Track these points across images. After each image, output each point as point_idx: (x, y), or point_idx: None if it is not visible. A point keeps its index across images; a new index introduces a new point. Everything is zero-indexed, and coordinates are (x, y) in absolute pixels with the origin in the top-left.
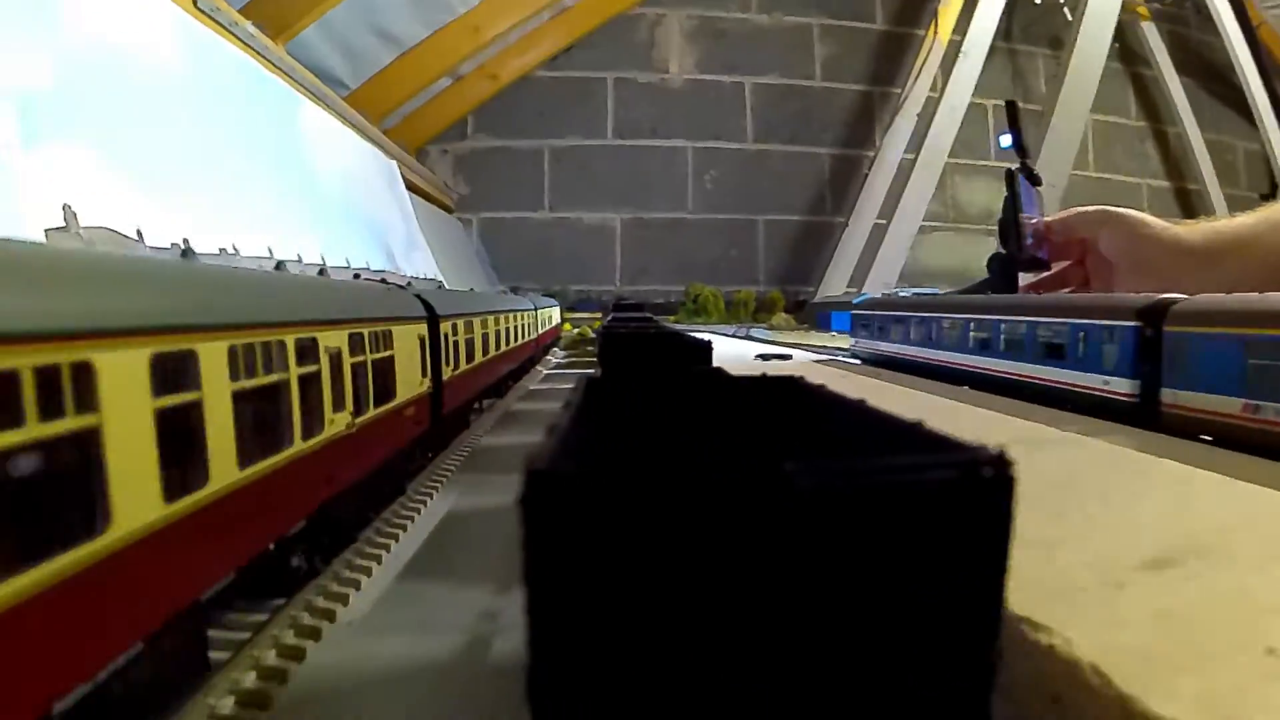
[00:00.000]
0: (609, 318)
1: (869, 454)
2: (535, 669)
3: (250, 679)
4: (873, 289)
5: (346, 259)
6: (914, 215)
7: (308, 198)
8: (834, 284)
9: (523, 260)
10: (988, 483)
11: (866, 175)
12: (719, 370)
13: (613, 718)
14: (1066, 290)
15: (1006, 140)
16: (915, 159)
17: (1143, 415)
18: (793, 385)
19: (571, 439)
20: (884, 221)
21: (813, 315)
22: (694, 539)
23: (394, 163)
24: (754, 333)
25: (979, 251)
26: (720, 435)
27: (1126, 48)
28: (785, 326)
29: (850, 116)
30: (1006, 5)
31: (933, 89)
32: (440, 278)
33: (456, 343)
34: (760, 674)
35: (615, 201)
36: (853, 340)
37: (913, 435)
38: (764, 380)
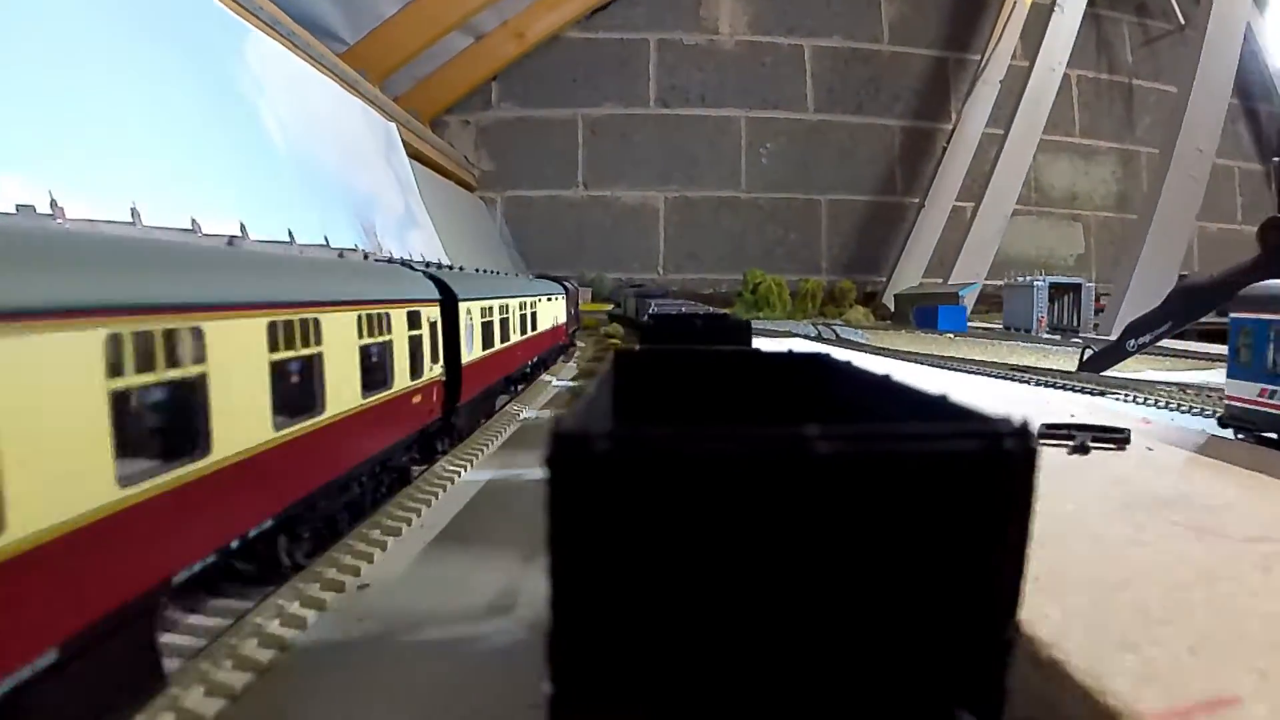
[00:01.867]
0: (650, 308)
1: (894, 422)
2: (557, 628)
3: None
4: (963, 279)
5: (289, 230)
6: (1007, 196)
7: (241, 149)
8: (908, 273)
9: (553, 244)
10: (1010, 454)
11: (945, 150)
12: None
13: (633, 676)
14: None
15: None
16: (1005, 134)
17: None
18: (819, 361)
19: (598, 406)
20: (964, 204)
21: (905, 310)
22: (716, 500)
23: (393, 125)
24: (843, 333)
25: (1064, 237)
26: (745, 404)
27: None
28: (866, 324)
29: (922, 85)
30: None
31: (1014, 57)
32: (446, 260)
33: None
34: (777, 633)
35: (658, 178)
36: (1254, 388)
37: (938, 406)
38: (791, 355)
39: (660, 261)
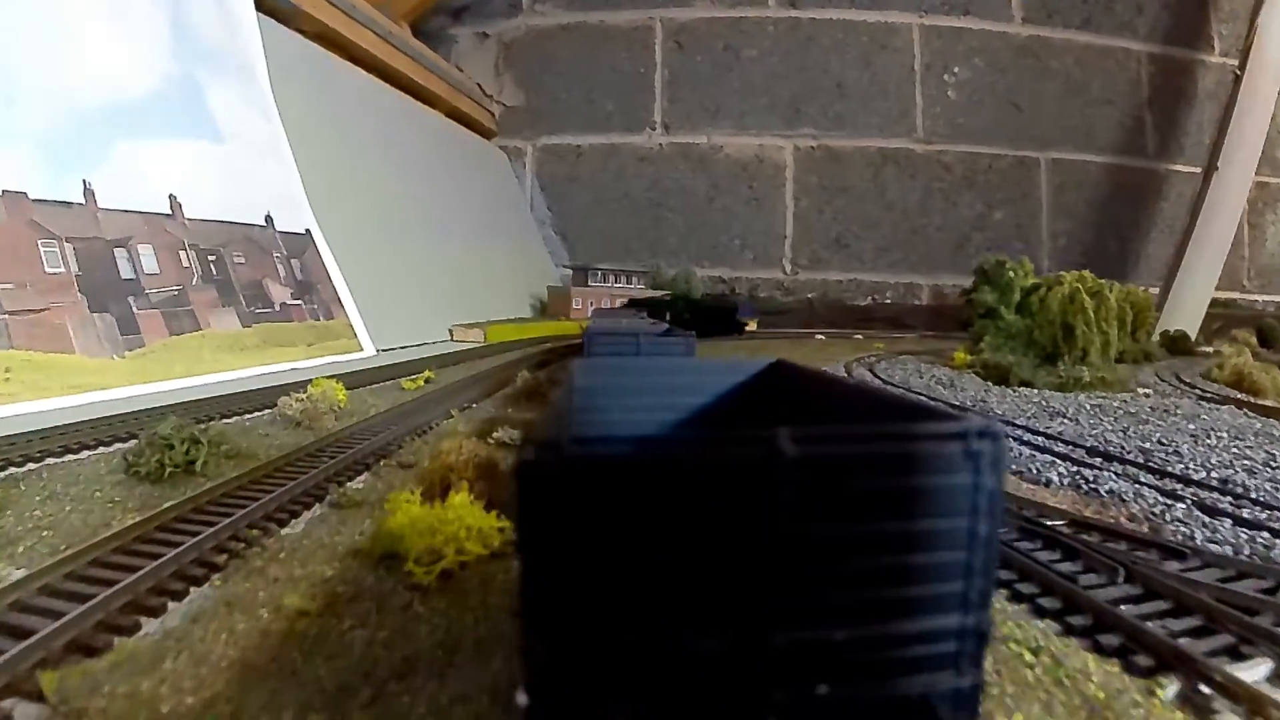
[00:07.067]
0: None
1: (859, 423)
2: (531, 638)
3: None
4: None
5: None
6: None
7: None
8: (1196, 279)
9: (612, 221)
10: (979, 453)
11: (1238, 82)
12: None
13: (609, 683)
14: None
15: None
16: None
17: None
18: (779, 367)
19: (568, 415)
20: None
21: None
22: (688, 505)
23: None
24: None
25: None
26: (711, 410)
27: None
28: None
29: None
30: None
31: None
32: (311, 221)
33: None
34: (753, 633)
35: (783, 117)
36: None
37: (901, 407)
38: (750, 363)
39: (787, 249)
